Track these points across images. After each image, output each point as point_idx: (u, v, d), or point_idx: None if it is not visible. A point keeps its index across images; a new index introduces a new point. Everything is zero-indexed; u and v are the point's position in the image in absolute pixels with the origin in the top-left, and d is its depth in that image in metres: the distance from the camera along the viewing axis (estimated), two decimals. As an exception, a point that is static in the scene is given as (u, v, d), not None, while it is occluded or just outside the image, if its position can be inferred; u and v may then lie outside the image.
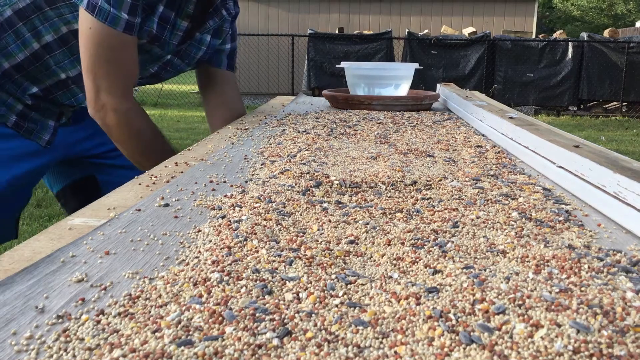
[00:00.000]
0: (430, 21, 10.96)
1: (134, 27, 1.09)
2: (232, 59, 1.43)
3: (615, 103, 9.74)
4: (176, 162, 0.89)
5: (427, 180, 0.76)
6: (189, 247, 0.52)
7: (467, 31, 9.87)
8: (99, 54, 1.09)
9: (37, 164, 1.29)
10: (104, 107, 1.13)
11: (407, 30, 9.75)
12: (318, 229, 0.56)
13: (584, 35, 9.69)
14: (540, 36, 10.32)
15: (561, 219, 0.60)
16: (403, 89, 1.70)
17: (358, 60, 9.12)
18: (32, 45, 1.17)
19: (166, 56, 1.26)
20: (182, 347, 0.34)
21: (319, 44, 9.48)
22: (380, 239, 0.54)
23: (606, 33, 10.11)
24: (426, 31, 9.97)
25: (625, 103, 9.68)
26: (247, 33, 10.31)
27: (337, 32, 9.96)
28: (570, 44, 9.44)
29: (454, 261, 0.48)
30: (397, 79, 1.68)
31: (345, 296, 0.41)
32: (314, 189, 0.71)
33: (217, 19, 1.28)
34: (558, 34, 10.39)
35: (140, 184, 0.75)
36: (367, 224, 0.58)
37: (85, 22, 1.07)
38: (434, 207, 0.64)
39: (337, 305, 0.40)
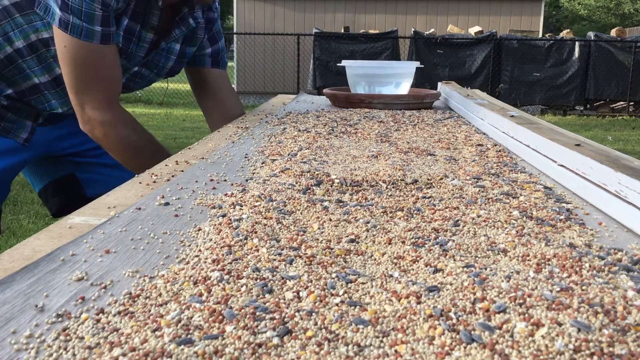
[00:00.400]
0: (437, 20, 10.88)
1: (110, 35, 1.11)
2: (216, 58, 1.42)
3: (622, 103, 9.64)
4: (177, 161, 0.89)
5: (428, 179, 0.75)
6: (189, 245, 0.52)
7: (473, 30, 9.78)
8: (77, 70, 1.10)
9: (15, 161, 1.30)
10: (90, 121, 1.15)
11: (413, 29, 9.67)
12: (318, 228, 0.56)
13: (591, 34, 9.59)
14: (546, 35, 10.16)
15: (562, 217, 0.60)
16: (404, 88, 1.70)
17: (363, 60, 9.07)
18: (5, 48, 1.18)
19: (133, 68, 1.27)
20: (182, 346, 0.34)
21: (325, 43, 9.43)
22: (381, 237, 0.53)
23: (613, 32, 9.99)
24: (432, 30, 9.87)
25: (632, 103, 9.58)
26: (252, 32, 10.27)
27: (342, 31, 9.89)
28: (577, 43, 9.33)
29: (454, 260, 0.48)
30: (398, 77, 1.68)
31: (345, 295, 0.41)
32: (314, 188, 0.71)
33: (183, 28, 1.27)
34: (565, 33, 10.26)
35: (140, 183, 0.75)
36: (368, 222, 0.58)
37: (61, 41, 1.08)
38: (435, 206, 0.64)
39: (337, 304, 0.40)
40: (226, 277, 0.44)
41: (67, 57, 1.09)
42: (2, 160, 1.27)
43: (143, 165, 1.17)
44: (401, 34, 9.78)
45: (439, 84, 2.00)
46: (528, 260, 0.48)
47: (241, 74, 10.78)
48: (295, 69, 10.23)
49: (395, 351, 0.34)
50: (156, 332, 0.36)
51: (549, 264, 0.47)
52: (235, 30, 11.00)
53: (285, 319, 0.37)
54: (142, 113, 8.33)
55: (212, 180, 0.76)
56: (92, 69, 1.11)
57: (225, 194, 0.68)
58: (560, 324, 0.36)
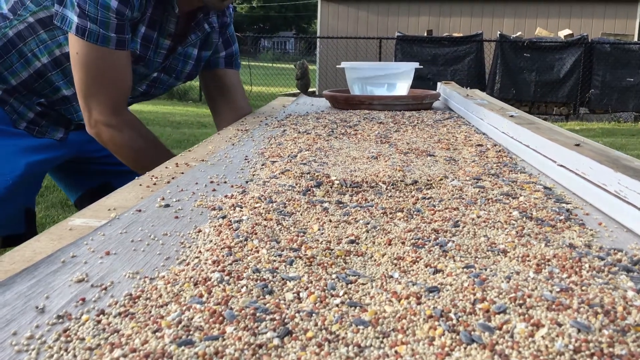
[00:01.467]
0: (525, 23, 10.55)
1: (125, 42, 1.14)
2: (230, 60, 1.46)
3: None
4: (177, 163, 0.89)
5: (428, 180, 0.75)
6: (190, 247, 0.52)
7: (562, 33, 9.32)
8: (88, 75, 1.14)
9: (50, 155, 1.33)
10: (97, 125, 1.18)
11: (499, 32, 9.26)
12: (319, 229, 0.56)
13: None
14: (642, 39, 9.68)
15: (562, 218, 0.60)
16: (403, 89, 1.70)
17: (446, 64, 8.82)
18: (34, 63, 1.22)
19: (152, 74, 1.30)
20: (183, 347, 0.34)
21: (407, 46, 9.13)
22: (381, 238, 0.54)
23: None
24: (519, 33, 9.45)
25: None
26: (335, 36, 10.16)
27: (425, 34, 9.61)
28: (675, 47, 8.92)
29: (454, 260, 0.48)
30: (397, 77, 1.68)
31: (345, 296, 0.41)
32: (314, 189, 0.71)
33: (199, 33, 1.32)
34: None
35: (140, 185, 0.75)
36: (368, 223, 0.58)
37: (74, 47, 1.12)
38: (435, 207, 0.64)
39: (337, 305, 0.40)
40: (226, 278, 0.44)
41: (79, 63, 1.13)
42: (37, 154, 1.29)
43: (148, 168, 1.20)
44: (486, 37, 9.43)
45: (438, 84, 2.00)
46: (528, 260, 0.48)
47: (323, 77, 10.69)
48: None
49: (396, 352, 0.34)
50: (157, 333, 0.36)
51: (548, 265, 0.47)
52: (318, 34, 10.95)
53: (286, 320, 0.37)
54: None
55: (212, 182, 0.76)
56: (102, 74, 1.14)
57: (226, 196, 0.68)
58: (560, 325, 0.36)
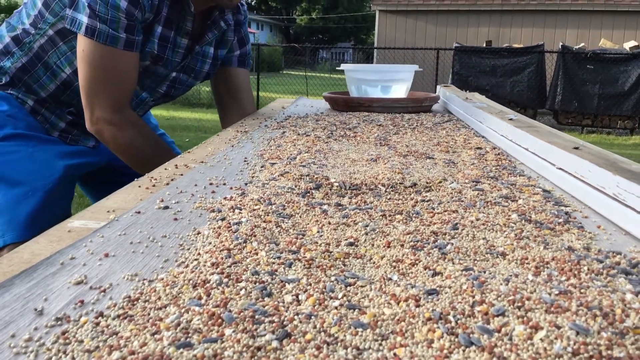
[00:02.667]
0: (588, 34, 10.32)
1: (134, 44, 1.15)
2: (242, 59, 1.48)
3: None
4: (176, 165, 0.89)
5: (427, 182, 0.75)
6: (189, 249, 0.52)
7: (628, 45, 8.83)
8: (95, 73, 1.15)
9: (84, 161, 1.35)
10: (99, 122, 1.19)
11: (561, 43, 8.91)
12: (318, 231, 0.56)
13: None
14: None
15: (561, 220, 0.60)
16: (402, 91, 1.70)
17: (505, 75, 8.59)
18: (60, 75, 1.24)
19: (171, 74, 1.31)
20: (181, 349, 0.34)
21: (465, 57, 8.88)
22: (380, 240, 0.54)
23: None
24: (582, 45, 9.07)
25: None
26: (392, 47, 10.02)
27: (484, 45, 9.33)
28: None
29: (453, 263, 0.48)
30: (397, 81, 1.69)
31: (344, 298, 0.41)
32: (313, 191, 0.71)
33: (215, 31, 1.33)
34: None
35: (139, 187, 0.75)
36: (367, 226, 0.58)
37: (82, 45, 1.13)
38: (434, 209, 0.64)
39: (336, 307, 0.40)
40: (225, 280, 0.44)
41: (85, 60, 1.13)
42: (73, 158, 1.31)
43: (149, 168, 1.20)
44: (548, 48, 9.13)
45: (438, 87, 2.00)
46: (527, 263, 0.48)
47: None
48: (432, 84, 9.73)
49: (394, 354, 0.34)
50: (155, 336, 0.36)
51: (547, 267, 0.47)
52: (375, 45, 10.82)
53: (285, 322, 0.37)
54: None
55: (211, 183, 0.76)
56: (108, 73, 1.15)
57: (225, 198, 0.68)
58: (558, 327, 0.36)
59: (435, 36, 10.77)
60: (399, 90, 1.70)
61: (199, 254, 0.50)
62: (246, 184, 0.75)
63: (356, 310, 0.39)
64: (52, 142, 1.29)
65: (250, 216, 0.60)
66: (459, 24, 10.72)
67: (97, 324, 0.38)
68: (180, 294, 0.42)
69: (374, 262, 0.49)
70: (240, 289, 0.42)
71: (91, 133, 1.32)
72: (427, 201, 0.67)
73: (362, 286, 0.43)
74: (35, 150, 1.24)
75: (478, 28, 10.67)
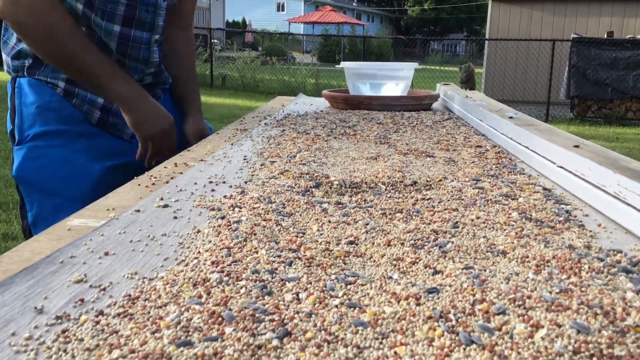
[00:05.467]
0: None
1: None
2: None
3: None
4: (175, 163, 0.89)
5: (427, 181, 0.75)
6: (189, 247, 0.52)
7: None
8: None
9: (121, 162, 1.24)
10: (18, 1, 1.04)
11: None
12: (318, 230, 0.56)
13: None
14: None
15: (561, 219, 0.60)
16: (403, 89, 1.70)
17: (628, 68, 8.16)
18: (113, 29, 1.14)
19: None
20: (182, 348, 0.34)
21: (584, 49, 8.34)
22: (380, 239, 0.53)
23: None
24: None
25: None
26: (505, 38, 9.69)
27: (605, 36, 8.73)
28: None
29: (454, 261, 0.48)
30: (397, 78, 1.68)
31: (345, 297, 0.41)
32: (313, 190, 0.71)
33: None
34: None
35: (139, 185, 0.75)
36: (367, 224, 0.58)
37: None
38: (434, 208, 0.64)
39: (336, 306, 0.40)
40: (225, 278, 0.44)
41: None
42: (108, 159, 1.20)
43: (67, 57, 1.08)
44: None
45: (438, 85, 2.00)
46: (527, 261, 0.48)
47: (489, 81, 10.26)
48: (547, 77, 9.41)
49: (395, 353, 0.34)
50: (155, 334, 0.36)
51: (548, 266, 0.47)
52: (487, 36, 10.51)
53: (285, 321, 0.37)
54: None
55: (211, 182, 0.76)
56: None
57: (225, 196, 0.68)
58: (559, 326, 0.36)
59: (551, 27, 10.18)
60: (402, 88, 1.70)
61: (199, 252, 0.50)
62: (246, 182, 0.75)
63: (357, 308, 0.39)
64: (88, 135, 1.18)
65: (250, 214, 0.60)
66: (579, 14, 10.09)
67: (98, 322, 0.37)
68: (180, 293, 0.42)
69: (374, 261, 0.49)
70: (241, 288, 0.42)
71: None
72: (428, 199, 0.67)
73: (362, 285, 0.43)
74: (70, 152, 1.14)
75: (599, 18, 10.00)
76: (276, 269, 0.46)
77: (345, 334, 0.36)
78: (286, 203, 0.65)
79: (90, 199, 1.19)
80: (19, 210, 1.16)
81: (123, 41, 1.17)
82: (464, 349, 0.34)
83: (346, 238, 0.53)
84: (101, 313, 0.39)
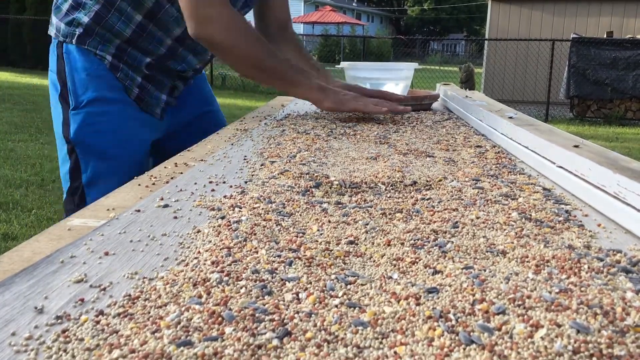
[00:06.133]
0: None
1: None
2: None
3: None
4: (175, 163, 0.89)
5: (427, 181, 0.75)
6: (189, 247, 0.52)
7: None
8: None
9: (156, 136, 1.33)
10: (206, 19, 1.12)
11: None
12: (318, 230, 0.56)
13: None
14: None
15: (561, 219, 0.60)
16: (403, 89, 1.70)
17: (628, 68, 8.09)
18: (135, 18, 1.19)
19: None
20: (182, 348, 0.34)
21: (583, 49, 8.32)
22: (380, 239, 0.54)
23: None
24: None
25: None
26: (505, 38, 9.68)
27: (605, 36, 8.72)
28: None
29: (453, 261, 0.48)
30: (397, 79, 1.68)
31: (344, 296, 0.41)
32: (313, 190, 0.71)
33: None
34: None
35: (139, 185, 0.75)
36: (367, 224, 0.58)
37: None
38: (434, 208, 0.64)
39: (336, 306, 0.40)
40: (225, 278, 0.44)
41: None
42: (146, 132, 1.28)
43: (263, 68, 1.20)
44: None
45: (437, 85, 2.00)
46: (527, 261, 0.48)
47: (489, 81, 10.22)
48: (546, 77, 9.34)
49: (395, 352, 0.34)
50: (156, 334, 0.36)
51: (548, 266, 0.47)
52: (487, 36, 10.49)
53: (285, 321, 0.37)
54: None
55: (211, 182, 0.76)
56: None
57: (225, 196, 0.68)
58: (559, 325, 0.36)
59: (551, 27, 10.21)
60: (402, 89, 1.70)
61: (199, 252, 0.50)
62: (246, 182, 0.75)
63: (356, 308, 0.39)
64: (133, 106, 1.25)
65: (250, 214, 0.60)
66: (579, 14, 10.11)
67: (98, 322, 0.38)
68: (180, 293, 0.42)
69: (374, 261, 0.49)
70: (241, 288, 0.42)
71: (162, 94, 1.27)
72: (427, 199, 0.67)
73: (362, 284, 0.43)
74: (123, 119, 1.21)
75: (599, 18, 10.02)
76: (276, 269, 0.46)
77: (345, 334, 0.36)
78: (286, 203, 0.65)
79: (139, 164, 1.21)
80: (69, 173, 1.20)
81: (185, 33, 1.23)
82: (464, 349, 0.34)
83: (346, 238, 0.53)
84: (101, 313, 0.39)
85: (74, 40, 1.19)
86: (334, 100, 1.22)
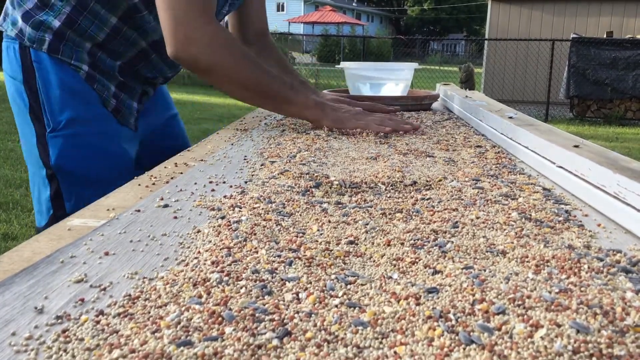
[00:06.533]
0: None
1: None
2: None
3: None
4: (175, 163, 0.89)
5: (427, 181, 0.76)
6: (189, 247, 0.52)
7: None
8: None
9: (136, 149, 1.26)
10: (189, 39, 1.03)
11: None
12: (318, 230, 0.56)
13: None
14: None
15: (561, 219, 0.60)
16: (403, 89, 1.70)
17: (627, 68, 8.09)
18: (110, 21, 1.12)
19: None
20: (182, 348, 0.34)
21: (583, 49, 8.31)
22: (380, 239, 0.54)
23: None
24: None
25: None
26: (505, 38, 9.67)
27: (605, 36, 8.71)
28: None
29: (453, 261, 0.48)
30: (397, 79, 1.68)
31: (344, 296, 0.41)
32: (313, 190, 0.71)
33: None
34: None
35: (139, 185, 0.75)
36: (367, 224, 0.58)
37: None
38: (434, 208, 0.64)
39: (336, 306, 0.40)
40: (225, 278, 0.44)
41: None
42: (129, 147, 1.22)
43: (252, 87, 1.12)
44: None
45: (437, 85, 2.00)
46: (527, 261, 0.48)
47: (489, 81, 10.19)
48: (546, 77, 9.34)
49: (395, 352, 0.34)
50: (156, 334, 0.36)
51: (547, 266, 0.47)
52: (487, 36, 10.46)
53: (285, 321, 0.37)
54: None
55: (211, 182, 0.76)
56: None
57: (225, 196, 0.68)
58: (559, 325, 0.36)
59: (551, 26, 10.18)
60: (402, 89, 1.70)
61: (199, 252, 0.50)
62: (246, 182, 0.75)
63: (356, 308, 0.40)
64: (111, 120, 1.17)
65: (250, 214, 0.60)
66: (578, 14, 10.08)
67: (98, 322, 0.38)
68: (180, 293, 0.42)
69: (374, 261, 0.49)
70: (241, 288, 0.42)
71: (133, 102, 1.21)
72: (427, 199, 0.67)
73: (362, 284, 0.43)
74: (105, 139, 1.14)
75: (599, 18, 10.00)
76: (276, 268, 0.46)
77: (345, 334, 0.36)
78: (286, 203, 0.65)
79: (126, 182, 1.19)
80: (50, 201, 1.12)
81: (162, 40, 1.15)
82: (464, 349, 0.34)
83: (346, 238, 0.53)
84: (101, 313, 0.39)
85: (44, 48, 1.08)
86: (334, 119, 1.16)
